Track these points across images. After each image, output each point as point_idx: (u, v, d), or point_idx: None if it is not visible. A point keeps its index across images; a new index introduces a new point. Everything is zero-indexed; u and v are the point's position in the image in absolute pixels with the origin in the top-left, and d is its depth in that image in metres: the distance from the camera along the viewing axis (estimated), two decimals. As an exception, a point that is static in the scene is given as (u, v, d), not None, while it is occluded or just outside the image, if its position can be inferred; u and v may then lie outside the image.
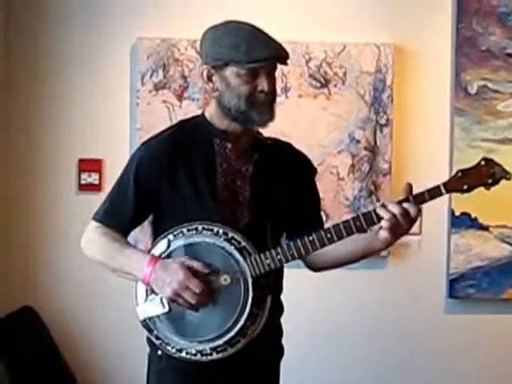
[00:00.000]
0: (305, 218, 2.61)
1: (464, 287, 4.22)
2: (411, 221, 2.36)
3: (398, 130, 4.19)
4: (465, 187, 2.38)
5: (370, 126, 4.16)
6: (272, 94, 2.45)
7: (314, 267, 2.65)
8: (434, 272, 4.25)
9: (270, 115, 2.46)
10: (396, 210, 2.34)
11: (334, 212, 4.10)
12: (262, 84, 2.42)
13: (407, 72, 4.21)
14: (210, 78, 2.48)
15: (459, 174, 2.38)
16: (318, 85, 4.15)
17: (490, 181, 2.37)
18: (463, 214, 4.20)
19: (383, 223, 2.35)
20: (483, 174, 2.37)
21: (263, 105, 2.43)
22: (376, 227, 2.39)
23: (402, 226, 2.35)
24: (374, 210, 2.38)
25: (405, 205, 2.35)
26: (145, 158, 2.52)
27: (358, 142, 4.16)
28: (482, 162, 2.38)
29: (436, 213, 4.03)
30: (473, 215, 4.20)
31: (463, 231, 4.21)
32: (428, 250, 4.21)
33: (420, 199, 2.37)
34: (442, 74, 4.23)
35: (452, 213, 4.18)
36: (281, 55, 2.44)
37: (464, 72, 4.19)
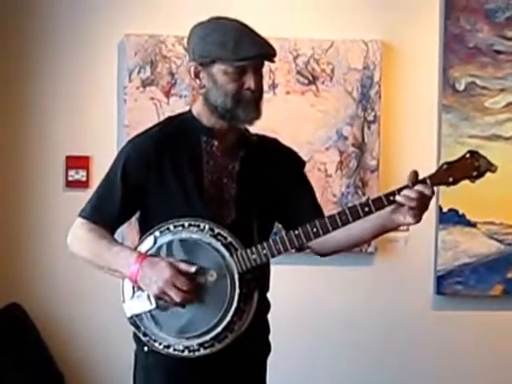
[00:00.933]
0: (301, 210, 2.60)
1: (451, 284, 4.22)
2: (430, 200, 2.37)
3: (386, 127, 4.19)
4: (450, 180, 2.38)
5: (357, 123, 4.15)
6: (259, 92, 2.45)
7: (322, 253, 2.64)
8: (421, 269, 4.25)
9: (257, 113, 2.45)
10: (414, 194, 2.34)
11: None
12: (249, 82, 2.41)
13: (395, 69, 4.21)
14: (197, 75, 2.47)
15: (445, 166, 2.39)
16: (306, 81, 4.14)
17: (474, 173, 2.37)
18: (451, 210, 4.20)
19: (406, 208, 2.36)
20: (468, 167, 2.37)
21: (250, 102, 2.43)
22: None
23: (425, 205, 2.37)
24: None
25: (420, 187, 2.35)
26: (132, 154, 2.52)
27: (346, 138, 4.16)
28: (468, 155, 2.38)
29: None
30: (460, 211, 4.20)
31: (451, 227, 4.21)
32: (415, 247, 4.21)
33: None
34: (429, 70, 4.23)
35: (440, 209, 4.18)
36: (268, 53, 2.43)
37: (452, 69, 4.20)
